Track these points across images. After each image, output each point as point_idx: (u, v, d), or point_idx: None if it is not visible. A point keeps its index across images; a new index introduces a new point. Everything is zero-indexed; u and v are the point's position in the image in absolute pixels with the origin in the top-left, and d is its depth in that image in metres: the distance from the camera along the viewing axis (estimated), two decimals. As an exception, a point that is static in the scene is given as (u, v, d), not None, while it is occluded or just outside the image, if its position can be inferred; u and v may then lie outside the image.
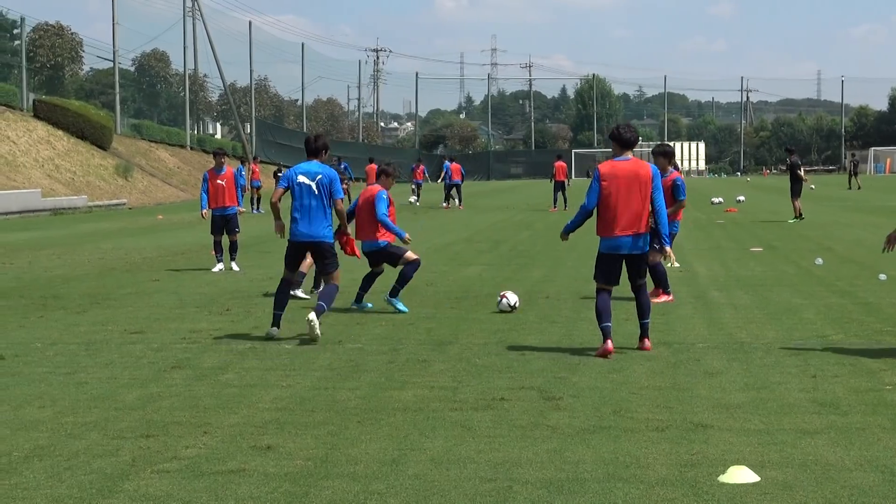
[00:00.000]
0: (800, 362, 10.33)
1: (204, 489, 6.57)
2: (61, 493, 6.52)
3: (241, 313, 14.35)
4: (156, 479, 6.78)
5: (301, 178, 12.15)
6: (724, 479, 6.60)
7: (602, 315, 10.78)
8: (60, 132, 61.47)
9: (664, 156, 14.53)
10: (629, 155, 10.99)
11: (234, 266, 20.28)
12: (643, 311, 11.11)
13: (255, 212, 44.10)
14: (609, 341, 10.72)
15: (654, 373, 9.93)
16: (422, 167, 57.31)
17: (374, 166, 50.41)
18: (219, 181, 20.45)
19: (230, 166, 21.08)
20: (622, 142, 10.96)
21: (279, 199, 12.28)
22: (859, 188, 61.51)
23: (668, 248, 11.46)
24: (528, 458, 7.13)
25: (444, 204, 47.52)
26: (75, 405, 8.93)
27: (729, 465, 6.81)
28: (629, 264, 11.02)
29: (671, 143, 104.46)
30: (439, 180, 51.76)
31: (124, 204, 54.61)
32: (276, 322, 12.26)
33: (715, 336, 11.94)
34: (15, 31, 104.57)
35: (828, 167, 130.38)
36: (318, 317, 11.74)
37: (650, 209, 10.92)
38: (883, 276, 16.77)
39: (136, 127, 79.27)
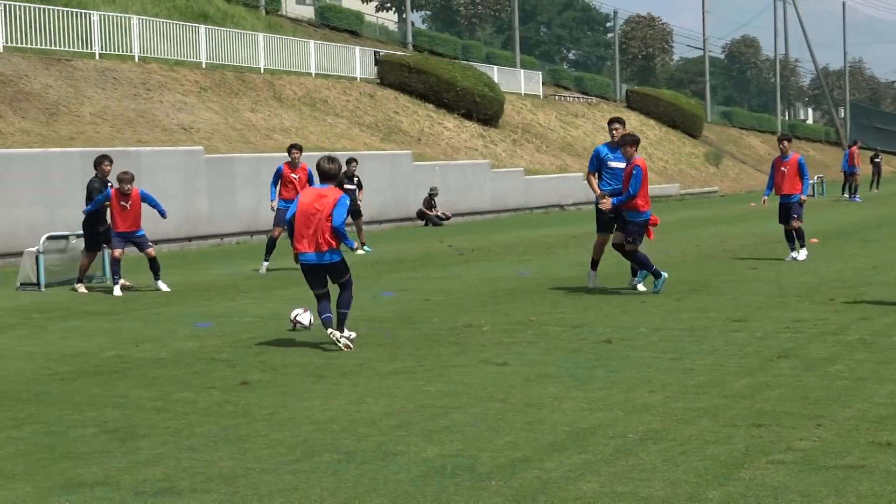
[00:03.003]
0: None
1: (822, 483, 6.36)
2: (677, 478, 6.58)
3: (846, 303, 13.83)
4: (771, 469, 6.67)
5: None
6: None
7: None
8: (652, 121, 63.17)
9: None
10: None
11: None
12: None
13: (853, 199, 42.65)
14: None
15: None
16: None
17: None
18: None
19: None
20: None
21: None
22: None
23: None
24: None
25: None
26: (684, 391, 9.02)
27: None
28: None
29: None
30: None
31: (716, 191, 55.00)
32: None
33: None
34: (608, 25, 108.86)
35: None
36: None
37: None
38: None
39: (726, 114, 79.73)
